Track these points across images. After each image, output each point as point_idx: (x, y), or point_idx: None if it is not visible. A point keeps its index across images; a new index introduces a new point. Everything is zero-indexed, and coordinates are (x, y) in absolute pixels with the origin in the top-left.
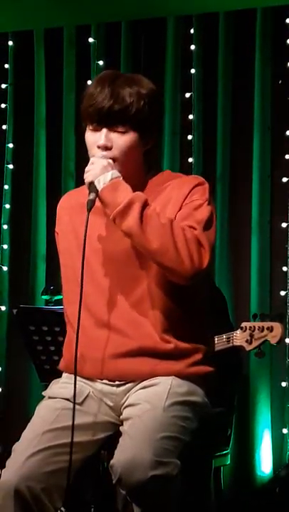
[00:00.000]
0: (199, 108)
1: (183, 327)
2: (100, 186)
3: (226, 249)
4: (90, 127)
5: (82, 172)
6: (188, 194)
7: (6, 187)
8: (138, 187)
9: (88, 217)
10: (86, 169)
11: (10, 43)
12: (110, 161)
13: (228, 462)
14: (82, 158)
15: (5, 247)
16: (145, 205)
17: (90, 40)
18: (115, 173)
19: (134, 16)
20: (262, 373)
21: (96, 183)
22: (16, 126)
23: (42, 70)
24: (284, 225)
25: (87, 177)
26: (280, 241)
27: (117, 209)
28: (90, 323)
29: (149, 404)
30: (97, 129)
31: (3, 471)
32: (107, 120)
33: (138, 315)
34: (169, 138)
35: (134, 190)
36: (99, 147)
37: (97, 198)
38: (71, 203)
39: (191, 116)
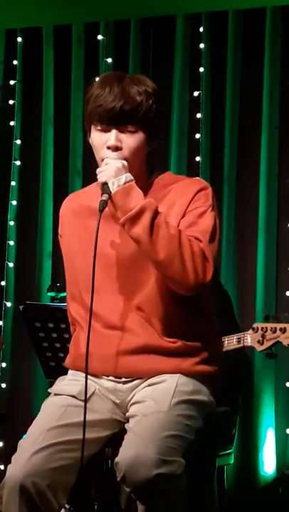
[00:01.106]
0: (207, 107)
1: (189, 326)
2: (113, 188)
3: (233, 249)
4: (99, 127)
5: (89, 169)
6: (191, 200)
7: (13, 183)
8: (142, 189)
9: (100, 217)
10: (99, 169)
11: (19, 39)
12: (125, 162)
13: (232, 461)
14: (90, 155)
15: (11, 243)
16: (156, 213)
17: (99, 37)
18: (129, 176)
19: (143, 13)
20: (266, 373)
21: (110, 184)
22: (24, 123)
23: (50, 67)
24: None
25: (101, 177)
26: (286, 241)
27: (128, 215)
28: (96, 324)
29: (154, 402)
30: (106, 130)
31: (8, 466)
32: (117, 120)
33: (144, 316)
34: (177, 137)
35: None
36: (109, 148)
37: (111, 203)
38: (74, 206)
39: (199, 115)
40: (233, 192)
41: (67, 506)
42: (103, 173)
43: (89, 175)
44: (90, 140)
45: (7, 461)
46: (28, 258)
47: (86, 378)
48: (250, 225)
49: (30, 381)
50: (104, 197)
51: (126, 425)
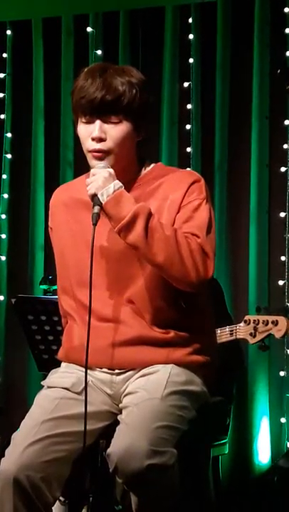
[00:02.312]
0: (198, 97)
1: (181, 317)
2: (103, 199)
3: (224, 240)
4: (83, 120)
5: (80, 161)
6: (185, 194)
7: (4, 176)
8: (132, 180)
9: (94, 231)
10: (88, 181)
11: (8, 32)
12: (111, 170)
13: (227, 451)
14: (81, 147)
15: (3, 236)
16: (149, 217)
17: (88, 29)
18: (117, 183)
19: (132, 5)
20: (260, 363)
21: (99, 196)
22: (14, 116)
23: (40, 59)
24: (282, 214)
25: (90, 189)
26: (278, 231)
27: (122, 223)
28: (85, 319)
29: (147, 393)
30: (90, 121)
31: (2, 460)
32: (100, 111)
33: (136, 308)
34: (168, 127)
35: (129, 184)
36: (93, 139)
37: (103, 213)
38: (64, 198)
39: (189, 106)
40: (224, 182)
41: (61, 499)
42: (91, 185)
43: (80, 167)
44: (78, 131)
45: (1, 455)
46: (20, 251)
47: (86, 373)
48: (241, 214)
49: (24, 374)
50: (96, 209)
51: (118, 416)
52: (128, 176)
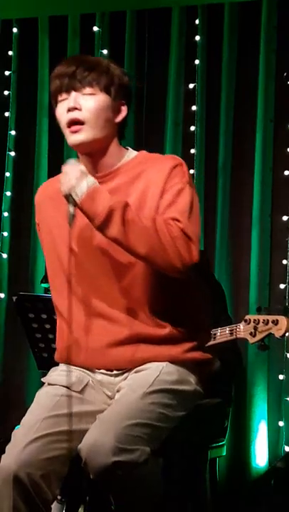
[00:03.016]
0: (202, 99)
1: (177, 312)
2: (78, 199)
3: (226, 242)
4: (60, 98)
5: None
6: (167, 178)
7: (7, 174)
8: (114, 166)
9: (70, 230)
10: (61, 181)
11: (14, 30)
12: (83, 168)
13: (224, 453)
14: None
15: (5, 234)
16: (125, 210)
17: (95, 28)
18: (91, 180)
19: (139, 5)
20: (259, 366)
21: (74, 195)
22: (19, 114)
23: (46, 57)
24: (285, 218)
25: (64, 189)
26: (280, 234)
27: (99, 221)
28: (81, 313)
29: (131, 390)
30: (66, 98)
31: (2, 457)
32: (73, 83)
33: (130, 302)
34: (172, 128)
35: (111, 170)
36: (69, 110)
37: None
38: (50, 193)
39: (194, 107)
40: (228, 184)
41: (59, 497)
42: (64, 185)
43: None
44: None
45: (1, 452)
46: (21, 249)
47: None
48: (244, 217)
49: (24, 372)
50: (71, 209)
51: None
52: (110, 160)
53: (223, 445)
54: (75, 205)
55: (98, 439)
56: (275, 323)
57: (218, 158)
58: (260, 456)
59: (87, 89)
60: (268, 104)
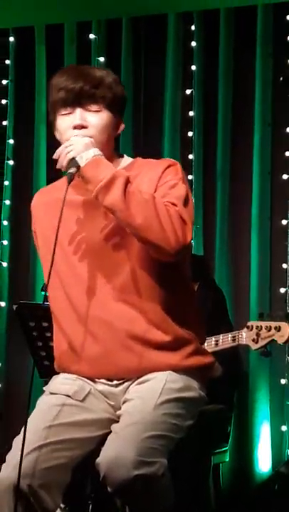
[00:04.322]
0: (200, 105)
1: (172, 314)
2: (82, 162)
3: (226, 247)
4: (63, 112)
5: None
6: (161, 175)
7: (6, 183)
8: None
9: (67, 191)
10: (64, 146)
11: (11, 39)
12: (92, 139)
13: (227, 459)
14: None
15: (5, 243)
16: (128, 181)
17: (91, 36)
18: (97, 150)
19: (135, 12)
20: (261, 371)
21: (78, 158)
22: (17, 122)
23: (43, 66)
24: (284, 222)
25: (69, 153)
26: (279, 238)
27: (100, 184)
28: (76, 319)
29: (141, 401)
30: (70, 112)
31: (2, 466)
32: (80, 100)
33: (124, 305)
34: (169, 134)
35: None
36: (75, 127)
37: (81, 178)
38: (45, 199)
39: (191, 113)
40: (226, 189)
41: (62, 506)
42: (71, 148)
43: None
44: (55, 133)
45: (2, 462)
46: (21, 257)
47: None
48: (243, 222)
49: (25, 380)
50: (72, 170)
51: (112, 426)
52: None
53: (226, 451)
54: (78, 168)
55: (119, 453)
56: (278, 329)
57: (217, 163)
58: (264, 462)
59: (93, 106)
60: (265, 108)
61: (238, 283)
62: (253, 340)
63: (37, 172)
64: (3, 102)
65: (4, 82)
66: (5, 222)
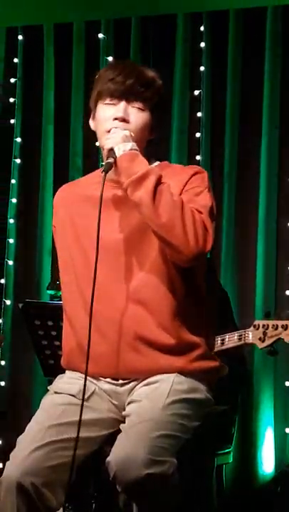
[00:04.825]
0: (208, 106)
1: (184, 319)
2: (119, 153)
3: (232, 248)
4: (107, 101)
5: (89, 167)
6: (187, 181)
7: (13, 181)
8: None
9: (104, 180)
10: (107, 137)
11: (20, 37)
12: (132, 133)
13: (231, 460)
14: (90, 153)
15: (11, 241)
16: (160, 178)
17: (100, 35)
18: (135, 145)
19: (144, 12)
20: (266, 372)
21: (116, 149)
22: (24, 121)
23: (51, 65)
24: None
25: (108, 143)
26: (286, 240)
27: (132, 178)
28: (84, 315)
29: (149, 402)
30: (115, 103)
31: (6, 464)
32: (128, 94)
33: (135, 306)
34: (177, 136)
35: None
36: (116, 118)
37: (113, 170)
38: (68, 195)
39: (199, 114)
40: (233, 191)
41: (66, 504)
42: (110, 140)
43: (89, 172)
44: (91, 122)
45: (6, 460)
46: (27, 256)
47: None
48: (250, 224)
49: (30, 379)
50: (110, 159)
51: (121, 425)
52: None
53: (229, 452)
54: (114, 159)
55: (130, 452)
56: (285, 328)
57: (224, 165)
58: (267, 463)
59: (138, 104)
60: (273, 110)
61: (244, 285)
62: (260, 338)
63: (44, 170)
64: (11, 100)
65: (12, 80)
66: (11, 221)
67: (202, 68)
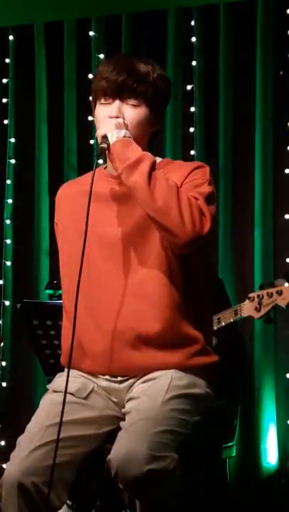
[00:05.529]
0: (201, 100)
1: (183, 315)
2: (112, 139)
3: (229, 243)
4: (102, 101)
5: (84, 165)
6: (188, 175)
7: (8, 182)
8: None
9: (96, 164)
10: (100, 125)
11: (10, 37)
12: (124, 120)
13: (234, 454)
14: (84, 151)
15: (8, 241)
16: (154, 165)
17: (91, 33)
18: (128, 133)
19: (135, 8)
20: (267, 364)
21: (109, 136)
22: (18, 121)
23: (42, 64)
24: (287, 216)
25: (101, 130)
26: (283, 233)
27: (127, 163)
28: (87, 315)
29: (148, 398)
30: (109, 102)
31: (7, 464)
32: (120, 92)
33: (133, 303)
34: (171, 130)
35: None
36: (111, 118)
37: (107, 153)
38: (69, 191)
39: (192, 109)
40: (229, 185)
41: (69, 503)
42: (103, 127)
43: (84, 171)
44: (94, 115)
45: (7, 460)
46: (25, 256)
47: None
48: (246, 217)
49: (30, 379)
50: (104, 145)
51: (121, 423)
52: None
53: (232, 445)
54: (108, 145)
55: (130, 449)
56: (280, 293)
57: (219, 159)
58: (270, 456)
59: (132, 101)
60: (266, 103)
61: (241, 279)
62: (256, 309)
63: (39, 170)
64: (4, 100)
65: (4, 80)
66: (8, 221)
67: (194, 63)
